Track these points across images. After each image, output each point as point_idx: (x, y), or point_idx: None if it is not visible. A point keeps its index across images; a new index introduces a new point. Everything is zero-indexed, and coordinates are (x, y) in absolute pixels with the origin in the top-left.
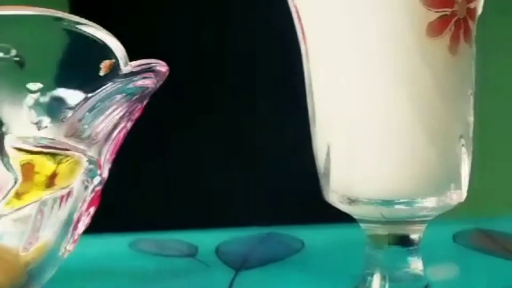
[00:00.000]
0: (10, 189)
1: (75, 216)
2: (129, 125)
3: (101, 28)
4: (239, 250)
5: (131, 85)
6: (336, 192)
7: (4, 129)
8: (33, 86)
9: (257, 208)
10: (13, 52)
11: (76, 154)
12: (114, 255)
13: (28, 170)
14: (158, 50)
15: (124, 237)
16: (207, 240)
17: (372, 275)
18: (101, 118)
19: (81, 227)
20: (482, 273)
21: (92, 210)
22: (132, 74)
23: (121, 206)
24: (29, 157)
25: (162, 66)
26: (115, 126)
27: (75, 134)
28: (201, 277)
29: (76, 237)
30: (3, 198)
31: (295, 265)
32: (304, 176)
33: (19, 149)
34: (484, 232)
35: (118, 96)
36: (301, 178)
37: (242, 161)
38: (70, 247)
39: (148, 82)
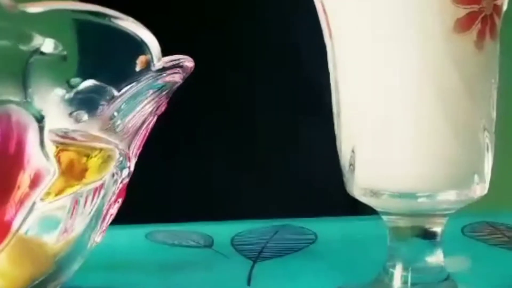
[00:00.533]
0: (49, 181)
1: (105, 208)
2: (154, 119)
3: (137, 22)
4: (254, 241)
5: (161, 81)
6: (360, 185)
7: (44, 122)
8: (72, 80)
9: (268, 203)
10: (60, 47)
11: (110, 147)
12: (131, 246)
13: (64, 162)
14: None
15: (140, 228)
16: (222, 231)
17: (394, 266)
18: (134, 112)
19: (109, 218)
20: (489, 265)
21: (119, 201)
22: (163, 69)
23: (135, 198)
24: (66, 150)
25: (189, 62)
26: (144, 121)
27: (109, 128)
28: (220, 267)
29: (104, 228)
30: (42, 190)
31: (311, 255)
32: (313, 172)
33: (57, 142)
34: (491, 225)
35: (150, 91)
36: (311, 174)
37: (254, 157)
38: (98, 238)
39: (176, 78)
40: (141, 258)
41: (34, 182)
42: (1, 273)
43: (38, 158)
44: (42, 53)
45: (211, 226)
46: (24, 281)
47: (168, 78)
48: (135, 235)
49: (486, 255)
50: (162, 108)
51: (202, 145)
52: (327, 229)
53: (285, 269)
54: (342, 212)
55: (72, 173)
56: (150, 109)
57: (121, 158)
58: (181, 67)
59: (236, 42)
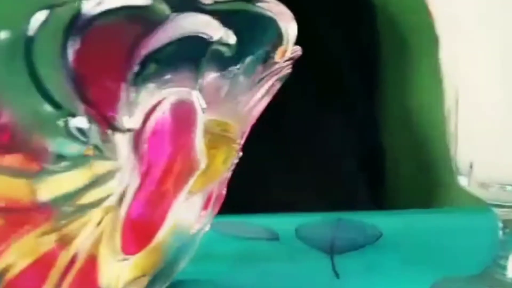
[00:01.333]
0: (195, 175)
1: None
2: None
3: (287, 12)
4: (319, 235)
5: (284, 71)
6: (477, 180)
7: (204, 112)
8: (229, 69)
9: (294, 194)
10: (233, 38)
11: (238, 140)
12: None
13: (210, 153)
14: None
15: None
16: (282, 224)
17: (507, 259)
18: (259, 105)
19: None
20: None
21: (224, 192)
22: (287, 60)
23: None
24: (212, 141)
25: (300, 51)
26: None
27: (242, 120)
28: (298, 261)
29: (211, 218)
30: (189, 184)
31: (385, 249)
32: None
33: (211, 135)
34: None
35: (276, 83)
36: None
37: (278, 149)
38: (206, 228)
39: (290, 68)
40: (211, 249)
41: (187, 175)
42: (135, 264)
43: (195, 150)
44: (221, 44)
45: (270, 219)
46: (148, 271)
47: (286, 69)
48: None
49: None
50: None
51: (257, 144)
52: (390, 223)
53: (368, 263)
54: (365, 206)
55: (217, 164)
56: (268, 101)
57: (238, 148)
58: (293, 58)
59: None
